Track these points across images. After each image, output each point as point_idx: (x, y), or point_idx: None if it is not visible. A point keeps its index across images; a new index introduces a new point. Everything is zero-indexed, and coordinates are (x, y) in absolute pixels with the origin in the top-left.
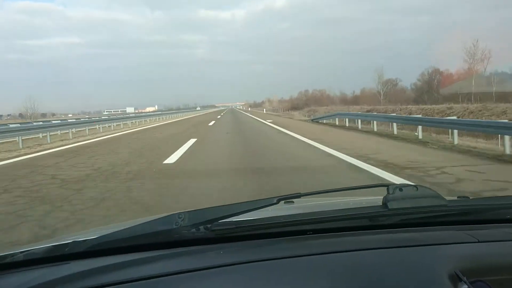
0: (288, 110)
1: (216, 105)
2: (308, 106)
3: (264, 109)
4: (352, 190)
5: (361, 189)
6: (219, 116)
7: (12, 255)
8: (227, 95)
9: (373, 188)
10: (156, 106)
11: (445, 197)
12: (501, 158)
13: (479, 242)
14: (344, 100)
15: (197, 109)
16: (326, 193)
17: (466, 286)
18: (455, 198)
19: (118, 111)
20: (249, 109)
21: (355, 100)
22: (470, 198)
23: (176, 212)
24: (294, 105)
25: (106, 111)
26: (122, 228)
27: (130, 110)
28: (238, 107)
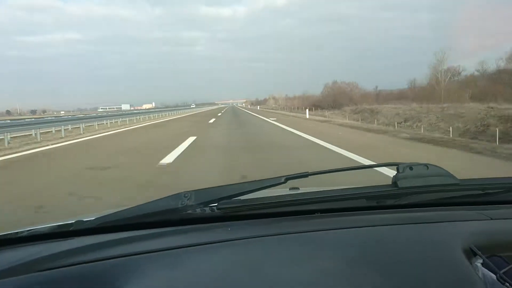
0: (308, 109)
1: (216, 102)
2: (340, 104)
3: (307, 111)
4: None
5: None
6: (192, 139)
7: (17, 233)
8: (228, 92)
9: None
10: (153, 103)
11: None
12: None
13: (492, 219)
14: (391, 96)
15: (191, 106)
16: (335, 173)
17: (482, 261)
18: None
19: (114, 108)
20: (258, 107)
21: (404, 94)
22: (480, 178)
23: (182, 191)
24: (316, 103)
25: (101, 108)
26: (128, 208)
27: (125, 107)
28: (239, 105)
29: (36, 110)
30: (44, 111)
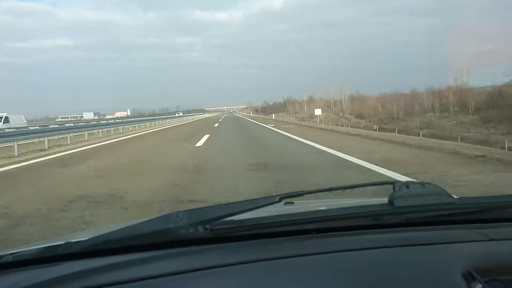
0: None
1: (207, 109)
2: None
3: None
4: (357, 189)
5: (366, 188)
6: None
7: (1, 256)
8: (224, 97)
9: (379, 187)
10: (128, 111)
11: (452, 195)
12: None
13: (490, 240)
14: None
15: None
16: (330, 192)
17: (481, 286)
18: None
19: (78, 117)
20: (273, 118)
21: None
22: (478, 196)
23: (175, 211)
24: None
25: (61, 117)
26: (119, 228)
27: (88, 115)
28: (236, 112)
29: None
30: None
